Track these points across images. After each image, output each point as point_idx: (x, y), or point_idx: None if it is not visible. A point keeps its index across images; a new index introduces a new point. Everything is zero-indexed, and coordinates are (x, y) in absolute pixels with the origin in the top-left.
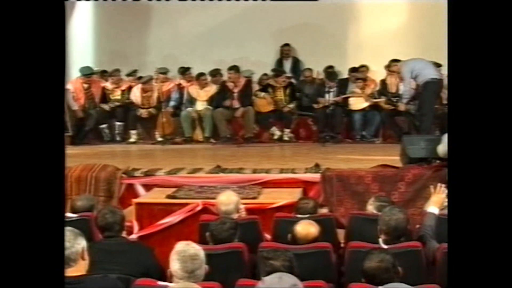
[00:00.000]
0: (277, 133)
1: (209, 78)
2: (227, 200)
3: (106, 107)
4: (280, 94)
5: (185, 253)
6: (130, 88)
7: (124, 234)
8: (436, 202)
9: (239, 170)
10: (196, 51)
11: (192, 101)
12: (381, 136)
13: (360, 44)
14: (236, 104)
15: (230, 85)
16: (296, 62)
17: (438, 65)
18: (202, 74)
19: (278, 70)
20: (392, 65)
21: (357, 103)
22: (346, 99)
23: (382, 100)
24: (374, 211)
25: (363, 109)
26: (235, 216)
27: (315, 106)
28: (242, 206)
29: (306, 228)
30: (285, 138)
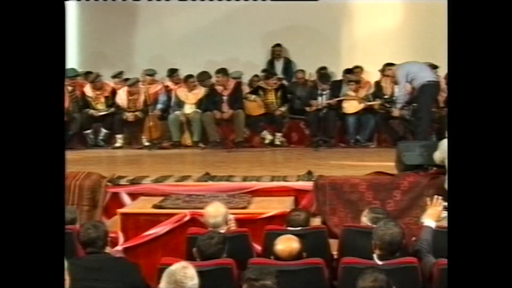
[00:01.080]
0: (268, 137)
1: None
2: (215, 212)
3: (94, 113)
4: (272, 97)
5: (172, 276)
6: (114, 93)
7: (108, 247)
8: (432, 215)
9: (229, 178)
10: (184, 52)
11: (180, 104)
12: (376, 140)
13: (354, 44)
14: (225, 107)
15: (219, 88)
16: (288, 63)
17: (434, 67)
18: (190, 76)
19: (269, 71)
20: (387, 69)
21: (351, 106)
22: (340, 102)
23: (376, 103)
24: (368, 223)
25: (357, 112)
26: (224, 228)
27: (308, 109)
28: (231, 217)
29: (288, 245)
30: (277, 142)
